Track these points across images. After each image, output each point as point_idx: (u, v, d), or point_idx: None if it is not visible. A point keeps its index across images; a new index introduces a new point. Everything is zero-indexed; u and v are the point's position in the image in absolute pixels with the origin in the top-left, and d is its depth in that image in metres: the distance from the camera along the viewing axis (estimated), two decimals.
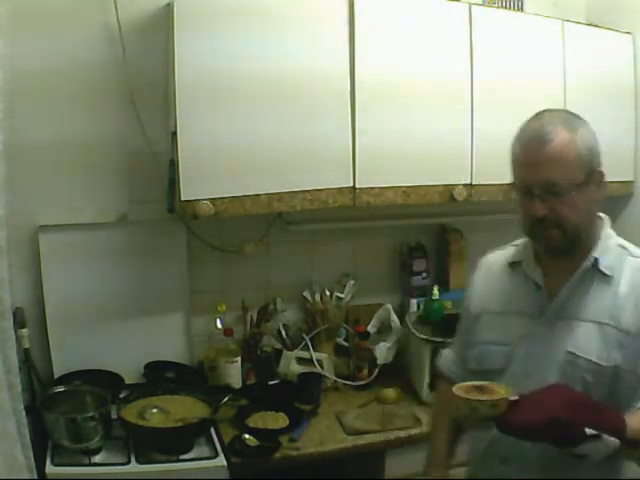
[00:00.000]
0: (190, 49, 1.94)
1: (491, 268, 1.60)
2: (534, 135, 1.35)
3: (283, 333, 2.47)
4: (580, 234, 1.36)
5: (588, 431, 1.18)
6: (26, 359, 2.01)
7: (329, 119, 2.13)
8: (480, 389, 1.28)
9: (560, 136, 1.32)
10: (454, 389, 1.29)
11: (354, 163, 2.18)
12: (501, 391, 1.26)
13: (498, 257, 1.60)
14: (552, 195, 1.32)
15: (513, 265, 1.53)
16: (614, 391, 1.32)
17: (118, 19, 2.12)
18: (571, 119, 1.37)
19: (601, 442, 1.19)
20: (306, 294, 2.52)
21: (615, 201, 2.50)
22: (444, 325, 2.40)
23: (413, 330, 2.36)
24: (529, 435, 1.24)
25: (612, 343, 1.32)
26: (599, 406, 1.24)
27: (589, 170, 1.33)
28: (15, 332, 1.61)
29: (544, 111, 1.40)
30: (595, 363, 1.33)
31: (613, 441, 1.19)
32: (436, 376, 1.82)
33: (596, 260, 1.37)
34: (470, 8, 2.29)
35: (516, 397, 1.25)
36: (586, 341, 1.34)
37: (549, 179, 1.32)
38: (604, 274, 1.37)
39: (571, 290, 1.39)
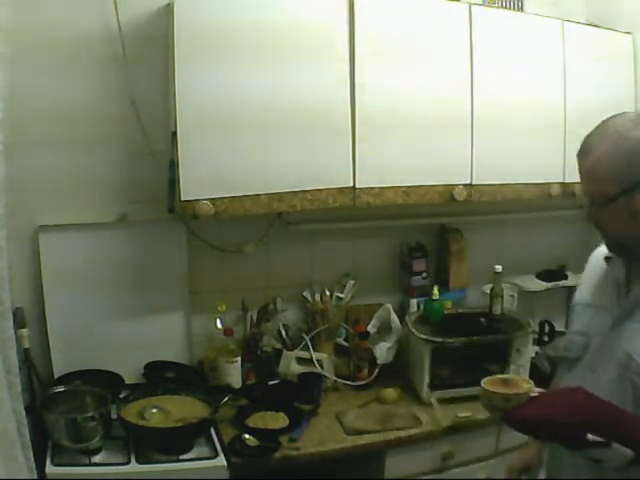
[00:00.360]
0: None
1: (595, 260, 1.59)
2: (581, 146, 1.37)
3: (283, 333, 2.47)
4: (628, 242, 1.35)
5: (591, 437, 1.18)
6: (26, 359, 2.01)
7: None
8: (505, 382, 1.34)
9: (598, 150, 1.31)
10: (484, 379, 1.36)
11: (354, 162, 2.18)
12: (524, 386, 1.31)
13: (601, 250, 1.56)
14: (592, 205, 1.36)
15: (608, 260, 1.51)
16: None
17: (118, 19, 2.12)
18: (626, 128, 1.30)
19: (611, 450, 1.19)
20: (306, 294, 2.52)
21: None
22: (444, 325, 2.40)
23: (413, 330, 2.36)
24: (525, 430, 1.29)
25: None
26: (621, 416, 1.23)
27: (630, 182, 1.28)
28: (15, 332, 1.61)
29: (613, 116, 1.36)
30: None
31: (626, 450, 1.19)
32: None
33: None
34: (470, 8, 2.29)
35: (536, 394, 1.28)
36: None
37: (586, 191, 1.37)
38: None
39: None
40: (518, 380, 1.33)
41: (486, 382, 1.34)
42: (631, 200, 1.29)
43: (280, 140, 2.08)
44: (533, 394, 1.28)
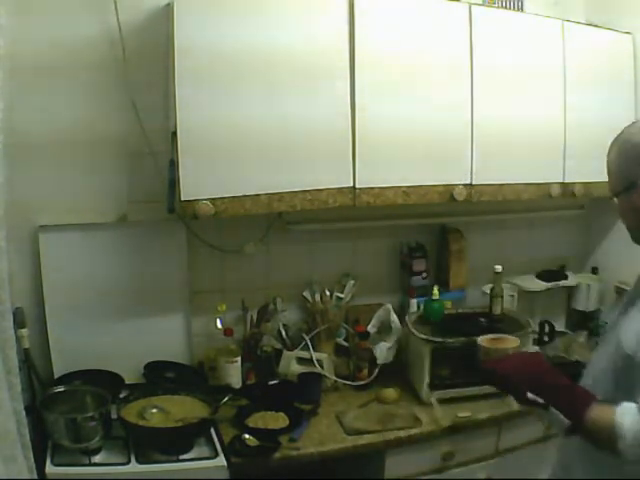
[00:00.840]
0: (190, 37, 1.93)
1: None
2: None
3: (283, 333, 2.47)
4: (634, 233, 1.50)
5: (530, 396, 1.39)
6: (26, 359, 2.01)
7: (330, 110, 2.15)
8: (498, 340, 1.66)
9: (610, 152, 1.51)
10: (482, 336, 1.77)
11: (354, 163, 2.19)
12: (509, 344, 1.64)
13: None
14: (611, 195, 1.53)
15: None
16: (633, 382, 1.35)
17: (118, 19, 2.12)
18: (631, 133, 1.49)
19: (550, 414, 1.38)
20: (306, 294, 2.52)
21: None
22: (444, 325, 2.40)
23: (413, 330, 2.36)
24: (487, 380, 1.60)
25: (635, 339, 1.38)
26: (568, 387, 1.40)
27: (629, 181, 1.44)
28: (15, 332, 1.61)
29: (630, 124, 1.54)
30: (626, 352, 1.38)
31: (563, 418, 1.36)
32: None
33: None
34: (470, 8, 2.29)
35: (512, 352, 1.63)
36: (632, 331, 1.40)
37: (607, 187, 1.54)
38: None
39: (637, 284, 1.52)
40: (508, 339, 1.62)
41: (482, 338, 1.70)
42: (631, 197, 1.45)
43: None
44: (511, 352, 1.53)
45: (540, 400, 1.39)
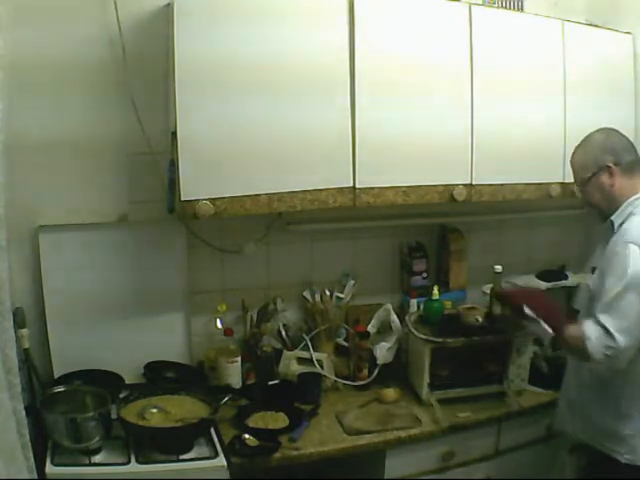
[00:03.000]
0: (190, 45, 1.93)
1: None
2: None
3: (283, 333, 2.47)
4: (602, 208, 1.97)
5: (527, 311, 1.98)
6: (26, 359, 2.01)
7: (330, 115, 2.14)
8: None
9: (575, 152, 2.04)
10: None
11: (354, 163, 2.19)
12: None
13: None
14: (578, 187, 2.04)
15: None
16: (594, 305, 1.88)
17: (118, 19, 2.12)
18: (594, 133, 2.01)
19: (539, 326, 1.95)
20: (306, 294, 2.52)
21: None
22: (444, 325, 2.40)
23: (413, 330, 2.36)
24: (500, 299, 2.27)
25: (596, 278, 1.93)
26: (556, 310, 1.99)
27: (597, 167, 1.94)
28: (15, 332, 1.61)
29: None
30: (589, 288, 1.99)
31: (549, 330, 1.92)
32: None
33: (612, 222, 1.93)
34: (470, 8, 2.29)
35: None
36: (595, 277, 1.95)
37: (574, 181, 2.06)
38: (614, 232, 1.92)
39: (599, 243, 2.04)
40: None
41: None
42: (599, 178, 1.94)
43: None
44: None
45: (533, 315, 1.96)
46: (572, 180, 2.48)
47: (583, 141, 2.02)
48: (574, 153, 2.03)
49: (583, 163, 1.99)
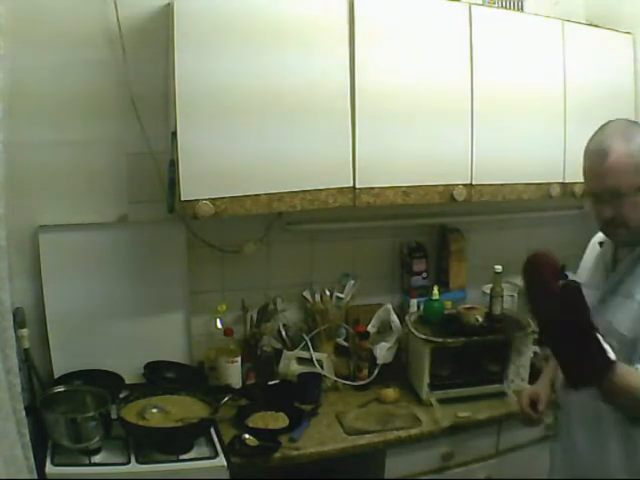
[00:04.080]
0: (191, 64, 1.94)
1: (592, 246, 1.84)
2: (596, 149, 1.54)
3: (283, 333, 2.47)
4: None
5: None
6: (26, 359, 2.01)
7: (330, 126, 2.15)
8: None
9: (617, 149, 1.49)
10: None
11: (354, 163, 2.18)
12: None
13: (597, 236, 1.80)
14: (616, 199, 1.51)
15: (601, 244, 1.75)
16: (631, 357, 1.48)
17: (118, 19, 2.12)
18: (630, 129, 1.54)
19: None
20: (306, 294, 2.52)
21: None
22: (444, 325, 2.40)
23: (413, 330, 2.36)
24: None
25: (638, 317, 1.51)
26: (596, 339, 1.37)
27: None
28: (15, 332, 1.61)
29: (606, 123, 1.59)
30: (619, 332, 1.52)
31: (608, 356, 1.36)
32: None
33: None
34: (470, 8, 2.29)
35: None
36: (621, 314, 1.55)
37: (612, 186, 1.51)
38: None
39: (624, 271, 1.60)
40: None
41: None
42: None
43: (281, 128, 2.08)
44: None
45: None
46: (572, 180, 2.48)
47: (621, 136, 1.51)
48: (615, 151, 1.49)
49: (634, 166, 1.49)
